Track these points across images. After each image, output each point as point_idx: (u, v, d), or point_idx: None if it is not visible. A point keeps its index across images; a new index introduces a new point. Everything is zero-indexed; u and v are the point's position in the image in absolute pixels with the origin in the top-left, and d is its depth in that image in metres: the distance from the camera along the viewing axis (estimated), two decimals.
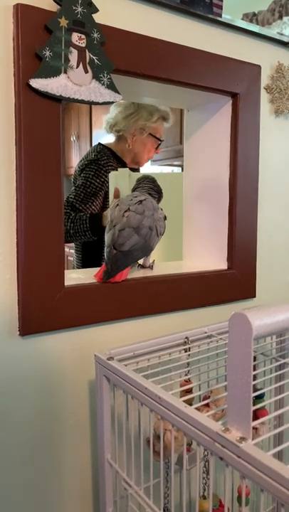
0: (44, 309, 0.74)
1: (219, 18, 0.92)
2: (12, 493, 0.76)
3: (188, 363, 0.73)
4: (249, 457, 0.43)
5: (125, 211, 0.88)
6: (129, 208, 0.89)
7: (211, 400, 0.64)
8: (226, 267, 1.01)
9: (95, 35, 0.73)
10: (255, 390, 0.64)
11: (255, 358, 0.74)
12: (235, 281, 1.01)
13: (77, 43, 0.71)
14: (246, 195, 1.00)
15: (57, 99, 0.71)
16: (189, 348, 0.76)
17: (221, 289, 0.99)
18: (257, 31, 1.01)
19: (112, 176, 1.48)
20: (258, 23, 1.13)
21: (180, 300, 0.93)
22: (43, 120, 0.71)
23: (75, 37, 0.71)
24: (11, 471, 0.75)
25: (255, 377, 0.68)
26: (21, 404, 0.75)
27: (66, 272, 0.84)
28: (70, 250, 3.69)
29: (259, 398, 0.70)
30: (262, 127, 1.02)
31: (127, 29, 0.79)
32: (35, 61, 0.68)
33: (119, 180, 1.42)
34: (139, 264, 1.00)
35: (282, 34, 1.07)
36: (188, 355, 0.75)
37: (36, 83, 0.68)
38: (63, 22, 0.70)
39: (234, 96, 0.96)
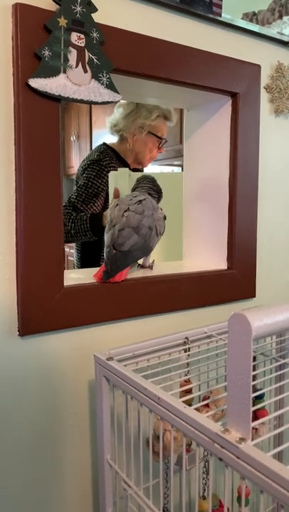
0: (43, 309, 0.74)
1: (219, 18, 0.92)
2: (12, 494, 0.76)
3: (188, 363, 0.73)
4: (249, 458, 0.43)
5: (125, 211, 0.88)
6: (128, 207, 0.89)
7: (210, 401, 0.64)
8: (225, 267, 1.01)
9: (94, 34, 0.73)
10: (255, 390, 0.64)
11: (254, 358, 0.74)
12: (235, 281, 1.01)
13: (76, 43, 0.71)
14: (246, 194, 1.00)
15: (56, 99, 0.71)
16: (189, 348, 0.76)
17: (221, 289, 0.99)
18: (257, 31, 1.01)
19: (112, 175, 1.47)
20: (257, 23, 1.13)
21: (180, 300, 0.93)
22: (42, 120, 0.71)
23: (74, 36, 0.71)
24: (11, 471, 0.75)
25: (254, 378, 0.68)
26: (21, 404, 0.75)
27: (66, 272, 0.84)
28: (70, 250, 3.69)
29: (259, 398, 0.70)
30: (262, 127, 1.02)
31: (126, 29, 0.78)
32: (35, 61, 0.68)
33: (119, 180, 1.42)
34: (139, 264, 1.00)
35: (282, 34, 1.06)
36: (188, 355, 0.75)
37: (35, 83, 0.68)
38: (62, 22, 0.70)
39: (234, 95, 0.96)
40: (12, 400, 0.74)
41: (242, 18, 1.13)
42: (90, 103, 0.75)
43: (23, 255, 0.71)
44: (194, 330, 0.80)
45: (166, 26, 0.86)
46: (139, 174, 1.09)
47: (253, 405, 0.46)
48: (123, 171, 1.42)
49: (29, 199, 0.71)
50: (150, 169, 3.34)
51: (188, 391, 0.71)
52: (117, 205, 0.91)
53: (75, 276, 0.89)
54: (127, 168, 1.43)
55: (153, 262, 1.00)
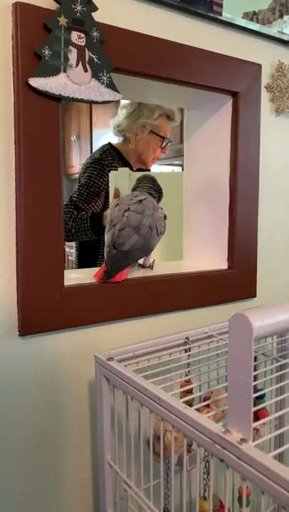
0: (43, 309, 0.74)
1: (219, 17, 0.92)
2: (12, 494, 0.75)
3: (188, 364, 0.73)
4: (250, 459, 0.42)
5: (125, 211, 0.88)
6: (129, 207, 0.88)
7: (211, 401, 0.64)
8: (226, 267, 1.01)
9: (95, 33, 0.73)
10: (255, 390, 0.64)
11: (255, 359, 0.74)
12: (236, 281, 1.01)
13: (76, 42, 0.71)
14: (247, 194, 1.00)
15: (56, 98, 0.71)
16: (190, 348, 0.76)
17: (222, 289, 0.99)
18: (257, 30, 1.01)
19: (112, 175, 1.47)
20: (258, 22, 1.13)
21: (180, 300, 0.92)
22: (42, 119, 0.71)
23: (75, 36, 0.71)
24: (11, 471, 0.75)
25: (255, 378, 0.68)
26: (21, 404, 0.75)
27: (66, 271, 0.84)
28: (70, 250, 3.69)
29: (260, 399, 0.70)
30: (262, 126, 1.02)
31: (126, 28, 0.78)
32: (35, 60, 0.68)
33: (119, 180, 1.42)
34: (139, 264, 0.99)
35: (282, 33, 1.06)
36: (189, 355, 0.75)
37: (35, 82, 0.68)
38: (62, 21, 0.69)
39: (234, 95, 0.96)
40: (12, 400, 0.74)
41: (242, 18, 1.13)
42: (91, 102, 0.74)
43: (23, 255, 0.71)
44: (195, 330, 0.80)
45: (167, 25, 0.86)
46: (139, 174, 1.09)
47: (254, 406, 0.46)
48: (123, 170, 1.42)
49: (29, 199, 0.71)
50: (150, 169, 3.34)
51: (189, 391, 0.71)
52: (118, 204, 0.91)
53: (76, 276, 0.89)
54: (127, 168, 1.43)
55: (153, 261, 1.00)
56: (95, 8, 0.73)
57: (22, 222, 0.71)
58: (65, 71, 0.70)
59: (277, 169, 1.10)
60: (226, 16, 0.93)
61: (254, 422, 0.45)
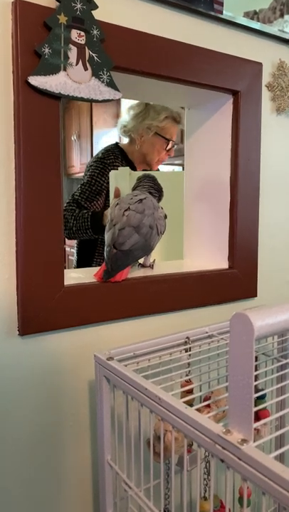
0: (43, 309, 0.73)
1: (220, 15, 0.92)
2: (12, 494, 0.75)
3: (189, 363, 0.72)
4: (250, 459, 0.42)
5: (125, 210, 0.88)
6: (129, 206, 0.88)
7: (212, 401, 0.63)
8: (226, 266, 1.01)
9: (95, 32, 0.73)
10: (256, 390, 0.63)
11: (256, 358, 0.74)
12: (237, 281, 1.00)
13: (76, 40, 0.71)
14: (247, 193, 0.99)
15: (56, 97, 0.71)
16: (190, 348, 0.76)
17: (222, 289, 0.98)
18: (258, 28, 1.00)
19: (112, 175, 1.47)
20: (259, 21, 1.13)
21: (181, 299, 0.92)
22: (42, 118, 0.70)
23: (75, 34, 0.71)
24: (11, 471, 0.75)
25: (256, 378, 0.67)
26: (21, 404, 0.75)
27: (66, 271, 0.84)
28: (71, 250, 3.69)
29: (261, 399, 0.69)
30: (263, 125, 1.01)
31: (126, 26, 0.78)
32: (34, 58, 0.68)
33: (120, 180, 1.41)
34: (140, 264, 0.99)
35: (283, 31, 1.06)
36: (189, 355, 0.75)
37: (35, 81, 0.68)
38: (62, 19, 0.69)
39: (235, 94, 0.95)
40: (12, 400, 0.74)
41: (243, 17, 1.12)
42: (91, 101, 0.74)
43: (23, 255, 0.71)
44: (195, 330, 0.79)
45: (167, 24, 0.86)
46: (139, 173, 1.09)
47: (255, 406, 0.45)
48: (123, 170, 1.42)
49: (29, 198, 0.71)
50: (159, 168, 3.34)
51: (190, 391, 0.71)
52: (118, 204, 0.91)
53: (76, 276, 0.89)
54: (128, 168, 1.43)
55: (154, 261, 0.99)
56: (95, 7, 0.72)
57: (22, 221, 0.70)
58: (65, 69, 0.70)
59: (277, 168, 1.10)
60: (226, 14, 0.93)
61: (255, 422, 0.45)
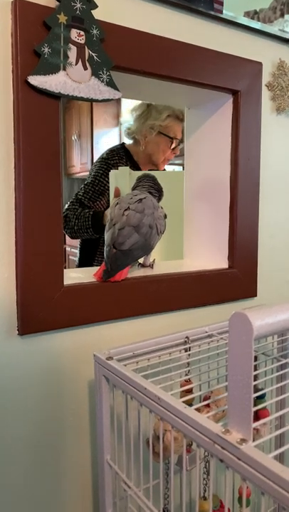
0: (43, 309, 0.73)
1: (220, 15, 0.92)
2: (11, 494, 0.75)
3: (188, 363, 0.72)
4: (250, 459, 0.42)
5: (125, 210, 0.88)
6: (129, 206, 0.88)
7: (211, 401, 0.63)
8: (226, 266, 1.01)
9: (94, 31, 0.72)
10: (256, 390, 0.63)
11: (256, 358, 0.74)
12: (236, 280, 1.00)
13: (76, 40, 0.71)
14: (247, 193, 0.99)
15: (56, 96, 0.70)
16: (190, 347, 0.76)
17: (222, 288, 0.98)
18: (258, 28, 1.00)
19: (112, 174, 1.47)
20: (259, 21, 1.13)
21: (180, 299, 0.92)
22: (42, 117, 0.70)
23: (74, 33, 0.71)
24: (10, 471, 0.75)
25: (256, 378, 0.67)
26: (20, 404, 0.75)
27: (65, 271, 0.84)
28: (71, 250, 3.69)
29: (260, 399, 0.69)
30: (263, 125, 1.01)
31: (126, 26, 0.78)
32: (34, 58, 0.68)
33: (120, 179, 1.41)
34: (140, 263, 0.99)
35: (283, 31, 1.06)
36: (189, 354, 0.75)
37: (35, 80, 0.68)
38: (62, 18, 0.69)
39: (235, 93, 0.95)
40: (11, 400, 0.74)
41: (243, 17, 1.12)
42: (90, 100, 0.74)
43: (23, 254, 0.71)
44: (195, 329, 0.79)
45: (167, 23, 0.86)
46: (139, 173, 1.09)
47: (254, 405, 0.45)
48: (123, 169, 1.42)
49: (29, 198, 0.71)
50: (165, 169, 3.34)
51: (189, 391, 0.71)
52: (118, 203, 0.91)
53: (75, 276, 0.89)
54: (128, 167, 1.43)
55: (154, 261, 0.99)
56: (95, 6, 0.72)
57: (21, 221, 0.70)
58: (64, 69, 0.70)
59: (277, 168, 1.10)
60: (227, 14, 0.93)
61: (254, 422, 0.45)
